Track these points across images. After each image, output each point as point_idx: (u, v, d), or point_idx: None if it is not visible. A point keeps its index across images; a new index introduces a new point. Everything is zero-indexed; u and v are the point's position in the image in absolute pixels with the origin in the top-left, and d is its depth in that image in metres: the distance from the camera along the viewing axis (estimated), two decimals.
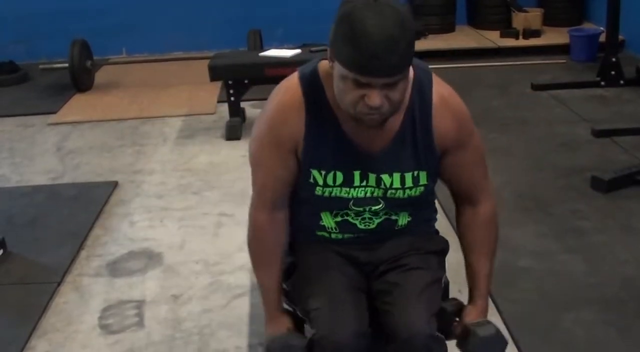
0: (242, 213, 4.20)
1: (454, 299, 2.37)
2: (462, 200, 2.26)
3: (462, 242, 2.30)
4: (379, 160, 2.07)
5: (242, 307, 3.34)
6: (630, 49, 7.51)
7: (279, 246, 2.22)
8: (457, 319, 2.26)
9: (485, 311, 2.27)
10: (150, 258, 3.85)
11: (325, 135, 2.05)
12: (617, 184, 4.34)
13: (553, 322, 3.14)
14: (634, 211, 4.10)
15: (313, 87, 2.05)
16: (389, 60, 1.78)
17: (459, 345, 2.24)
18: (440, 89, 2.09)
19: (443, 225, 3.66)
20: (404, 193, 2.11)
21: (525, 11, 8.05)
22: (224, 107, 5.83)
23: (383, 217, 2.18)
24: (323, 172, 2.08)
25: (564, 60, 7.42)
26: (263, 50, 6.10)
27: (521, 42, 7.85)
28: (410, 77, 1.97)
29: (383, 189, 2.10)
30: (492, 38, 8.00)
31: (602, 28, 6.89)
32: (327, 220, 2.19)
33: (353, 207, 2.14)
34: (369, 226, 2.19)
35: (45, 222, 4.31)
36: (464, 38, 8.16)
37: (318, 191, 2.10)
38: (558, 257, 3.65)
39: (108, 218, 4.35)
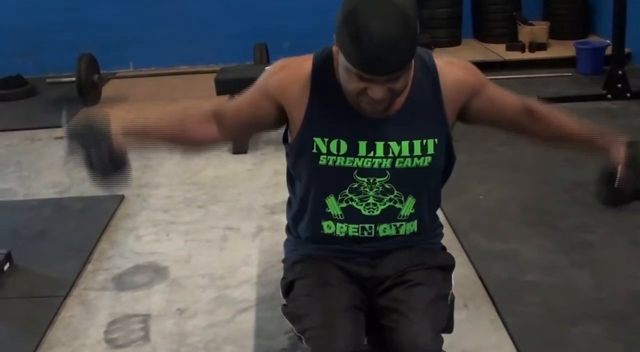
0: (248, 227, 4.27)
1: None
2: (519, 122, 2.27)
3: (553, 140, 2.33)
4: (387, 128, 2.09)
5: (248, 321, 3.34)
6: (636, 62, 7.50)
7: (186, 131, 2.20)
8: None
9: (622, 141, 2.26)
10: (156, 272, 3.85)
11: (330, 106, 2.09)
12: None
13: (560, 336, 3.12)
14: None
15: (323, 63, 2.10)
16: (392, 60, 1.83)
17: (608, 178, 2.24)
18: (442, 59, 2.16)
19: (449, 240, 3.68)
20: (412, 162, 2.12)
21: (531, 24, 8.05)
22: None
23: (387, 204, 2.19)
24: (326, 140, 2.10)
25: (570, 73, 7.42)
26: (269, 64, 6.10)
27: (527, 55, 7.85)
28: (412, 65, 1.99)
29: (391, 157, 2.11)
30: (498, 51, 8.00)
31: (608, 41, 6.89)
32: (333, 206, 2.19)
33: (357, 178, 2.14)
34: (373, 212, 2.19)
35: (52, 235, 4.32)
36: (470, 51, 8.15)
37: (322, 160, 2.12)
38: (565, 272, 3.64)
39: (114, 232, 4.35)
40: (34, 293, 3.69)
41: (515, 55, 7.86)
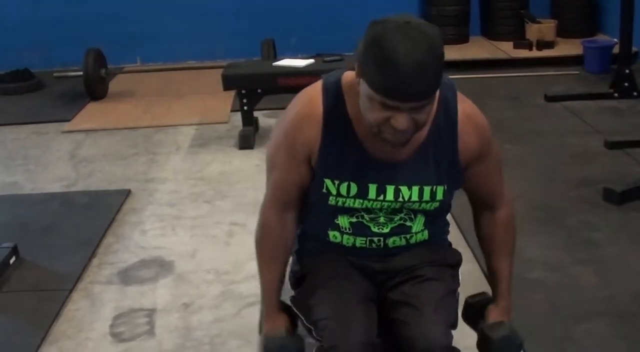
0: (254, 222, 4.18)
1: (483, 293, 2.39)
2: (481, 206, 2.29)
3: (482, 245, 2.34)
4: (399, 172, 2.08)
5: (253, 316, 3.32)
6: None
7: (286, 245, 2.24)
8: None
9: (508, 310, 2.31)
10: (161, 266, 3.86)
11: (342, 147, 2.06)
12: (630, 196, 4.32)
13: (564, 334, 3.12)
14: None
15: (334, 99, 2.06)
16: (418, 87, 1.78)
17: (478, 347, 2.28)
18: (464, 106, 2.10)
19: (455, 237, 3.67)
20: (419, 205, 2.13)
21: (539, 22, 8.04)
22: (237, 116, 5.85)
23: (398, 222, 2.19)
24: (337, 182, 2.08)
25: (577, 72, 7.42)
26: (277, 59, 6.11)
27: (534, 53, 7.85)
28: (436, 96, 1.96)
29: (401, 202, 2.11)
30: (506, 49, 8.00)
31: (615, 39, 6.86)
32: (342, 219, 2.19)
33: (366, 216, 2.15)
34: (382, 229, 2.19)
35: (58, 229, 4.34)
36: (477, 49, 8.16)
37: (331, 200, 2.11)
38: (570, 269, 3.64)
39: (120, 226, 4.36)
40: (40, 286, 3.71)
41: (523, 53, 7.86)
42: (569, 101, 6.35)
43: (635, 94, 6.26)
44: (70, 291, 3.64)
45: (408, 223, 2.20)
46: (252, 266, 3.70)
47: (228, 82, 5.59)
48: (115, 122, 6.48)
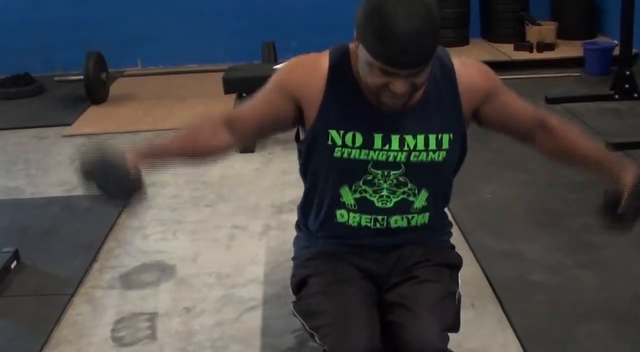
0: (255, 226, 4.28)
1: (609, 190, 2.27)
2: (531, 133, 2.30)
3: (564, 156, 2.33)
4: (403, 122, 2.11)
5: (254, 320, 3.34)
6: None
7: (199, 145, 2.22)
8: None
9: (635, 170, 2.21)
10: (163, 271, 3.86)
11: (346, 99, 2.11)
12: None
13: (566, 336, 3.12)
14: None
15: (340, 58, 2.13)
16: (417, 54, 1.85)
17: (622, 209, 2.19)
18: (460, 58, 2.19)
19: (455, 239, 3.68)
20: (427, 156, 2.14)
21: (539, 24, 8.05)
22: None
23: (401, 197, 2.20)
24: (342, 132, 2.11)
25: (578, 74, 7.42)
26: (277, 62, 6.11)
27: (535, 55, 7.85)
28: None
29: (407, 151, 2.13)
30: (506, 51, 8.00)
31: (616, 41, 6.87)
32: (347, 196, 2.20)
33: (372, 170, 2.15)
34: (386, 204, 2.19)
35: (59, 234, 4.33)
36: (478, 51, 8.15)
37: (337, 152, 2.13)
38: (571, 272, 3.63)
39: (121, 230, 4.36)
40: (41, 291, 3.70)
41: (523, 55, 7.86)
42: (569, 103, 6.36)
43: (635, 95, 6.28)
44: (72, 296, 3.63)
45: (411, 198, 2.20)
46: (254, 270, 3.76)
47: (229, 86, 5.59)
48: (116, 126, 6.48)
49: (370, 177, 2.16)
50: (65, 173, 5.38)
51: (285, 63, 2.21)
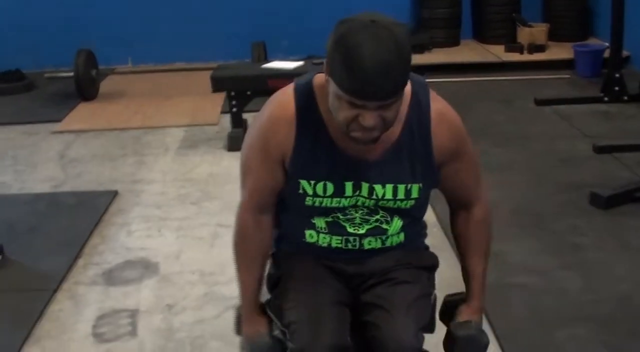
0: None
1: (461, 293, 2.36)
2: (457, 205, 2.29)
3: (458, 244, 2.33)
4: (373, 170, 2.08)
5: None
6: (635, 65, 7.50)
7: (263, 247, 2.25)
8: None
9: (479, 310, 2.30)
10: (146, 268, 3.86)
11: (316, 147, 2.06)
12: (616, 201, 4.33)
13: (547, 339, 3.13)
14: (632, 227, 4.10)
15: (306, 100, 2.06)
16: (384, 86, 1.79)
17: (444, 345, 2.28)
18: (437, 105, 2.10)
19: (439, 240, 3.68)
20: (394, 204, 2.12)
21: (531, 26, 8.06)
22: (227, 118, 5.86)
23: (374, 224, 2.18)
24: (312, 182, 2.08)
25: (569, 76, 7.44)
26: (267, 62, 6.11)
27: (526, 57, 7.87)
28: (407, 92, 1.98)
29: (374, 199, 2.11)
30: (497, 52, 8.01)
31: (607, 44, 6.88)
32: (318, 220, 2.18)
33: (341, 217, 2.15)
34: (358, 230, 2.18)
35: (44, 229, 4.34)
36: (468, 52, 8.17)
37: (308, 201, 2.11)
38: (554, 274, 3.64)
39: (106, 227, 4.36)
40: (24, 286, 3.71)
41: (514, 57, 7.88)
42: (559, 105, 6.37)
43: (625, 98, 6.28)
44: (55, 291, 3.64)
45: (384, 226, 2.19)
46: None
47: (217, 84, 5.60)
48: (106, 123, 6.48)
49: (342, 212, 2.16)
50: (53, 169, 5.39)
51: (257, 122, 2.14)
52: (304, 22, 8.22)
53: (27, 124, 6.53)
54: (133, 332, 3.29)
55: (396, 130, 2.03)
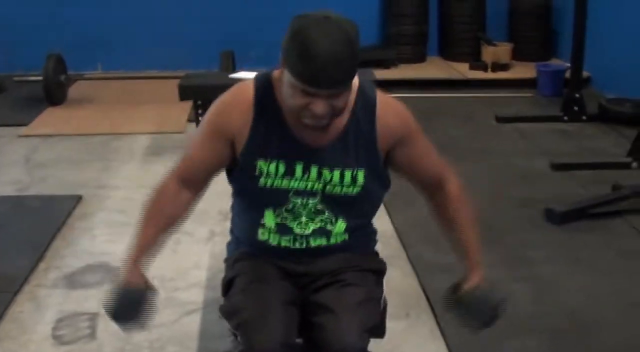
0: (201, 232, 4.33)
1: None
2: (428, 187, 2.39)
3: (442, 223, 2.42)
4: (322, 155, 2.21)
5: (193, 323, 3.41)
6: (594, 86, 7.64)
7: (173, 214, 2.32)
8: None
9: (483, 278, 2.35)
10: (107, 272, 3.89)
11: (272, 132, 2.20)
12: (571, 217, 4.43)
13: (497, 349, 3.20)
14: (584, 243, 4.20)
15: (265, 89, 2.21)
16: (334, 76, 1.95)
17: (458, 309, 2.33)
18: (384, 97, 2.27)
19: (395, 251, 3.74)
20: (341, 189, 2.24)
21: (495, 45, 8.20)
22: (193, 127, 5.90)
23: (319, 225, 2.29)
24: (267, 162, 2.20)
25: (531, 94, 7.58)
26: (235, 71, 6.17)
27: (489, 75, 8.01)
28: (355, 85, 2.15)
29: (322, 183, 2.23)
30: (462, 70, 8.15)
31: (568, 64, 7.01)
32: (269, 219, 2.29)
33: (292, 198, 2.25)
34: (304, 231, 2.30)
35: (7, 232, 4.36)
36: (433, 69, 8.30)
37: (261, 182, 2.22)
38: (506, 286, 3.70)
39: (70, 231, 4.39)
40: None
41: (478, 75, 8.02)
42: (519, 123, 6.49)
43: (584, 117, 6.43)
44: (15, 293, 3.66)
45: (329, 227, 2.30)
46: (196, 274, 3.82)
47: (184, 93, 5.65)
48: (73, 128, 6.50)
49: (290, 206, 2.26)
50: (18, 173, 5.40)
51: (213, 104, 2.27)
52: (274, 33, 8.24)
53: None
54: (92, 335, 3.33)
55: (344, 118, 2.18)
